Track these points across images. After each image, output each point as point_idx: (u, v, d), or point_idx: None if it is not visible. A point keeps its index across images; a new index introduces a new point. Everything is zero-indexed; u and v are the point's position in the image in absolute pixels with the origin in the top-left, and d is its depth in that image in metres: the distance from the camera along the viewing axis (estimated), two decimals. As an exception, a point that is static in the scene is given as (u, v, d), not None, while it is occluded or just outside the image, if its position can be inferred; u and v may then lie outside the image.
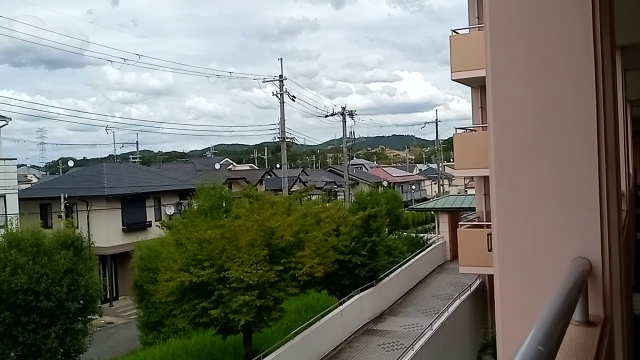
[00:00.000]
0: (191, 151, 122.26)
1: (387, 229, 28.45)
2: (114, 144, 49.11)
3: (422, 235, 36.56)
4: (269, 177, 54.71)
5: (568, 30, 2.00)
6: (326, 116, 43.95)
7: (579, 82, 1.98)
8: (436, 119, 67.88)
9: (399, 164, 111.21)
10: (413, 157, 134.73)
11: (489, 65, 2.12)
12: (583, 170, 1.98)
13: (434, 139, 72.96)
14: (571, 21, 2.00)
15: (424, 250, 29.37)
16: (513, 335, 2.02)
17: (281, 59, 37.48)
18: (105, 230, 31.87)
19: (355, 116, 45.69)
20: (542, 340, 1.17)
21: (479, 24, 20.77)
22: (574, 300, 1.59)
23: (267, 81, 37.40)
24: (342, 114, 43.92)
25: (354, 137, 52.61)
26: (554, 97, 2.01)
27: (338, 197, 53.54)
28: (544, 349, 1.14)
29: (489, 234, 19.11)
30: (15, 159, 34.02)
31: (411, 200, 65.88)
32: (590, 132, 1.97)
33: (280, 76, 37.10)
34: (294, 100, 38.39)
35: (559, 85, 2.01)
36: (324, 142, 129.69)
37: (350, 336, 20.15)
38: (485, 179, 21.58)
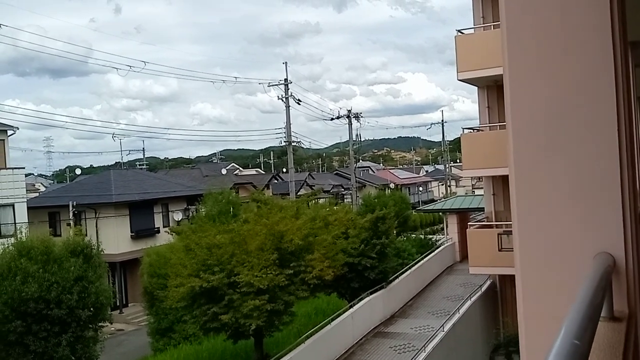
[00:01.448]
0: (197, 157, 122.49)
1: (395, 231, 28.41)
2: (121, 151, 49.30)
3: (430, 236, 36.50)
4: (276, 181, 54.78)
5: (586, 26, 2.00)
6: (332, 119, 43.94)
7: (598, 79, 1.98)
8: (442, 120, 67.71)
9: (406, 166, 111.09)
10: (419, 159, 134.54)
11: (507, 64, 2.12)
12: (604, 166, 1.97)
13: (440, 140, 72.79)
14: (589, 18, 2.00)
15: (433, 251, 29.31)
16: (538, 332, 2.02)
17: (286, 63, 37.53)
18: (114, 237, 31.95)
19: (360, 119, 45.65)
20: (577, 334, 1.17)
21: (483, 24, 20.78)
22: (601, 295, 1.59)
23: (272, 85, 37.47)
24: (348, 117, 43.90)
25: (360, 140, 52.50)
26: (574, 94, 2.01)
27: (345, 200, 53.51)
28: (580, 343, 1.14)
29: (499, 234, 19.11)
30: (23, 167, 34.29)
31: (419, 201, 65.80)
32: (611, 127, 1.97)
33: (286, 80, 37.14)
34: (299, 104, 38.42)
35: (578, 82, 2.01)
36: (329, 145, 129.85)
37: (361, 339, 20.11)
38: (494, 178, 21.55)
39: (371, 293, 21.61)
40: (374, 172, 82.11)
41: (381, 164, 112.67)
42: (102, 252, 19.88)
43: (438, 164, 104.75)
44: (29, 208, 31.82)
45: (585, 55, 2.01)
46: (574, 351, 1.11)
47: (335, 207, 26.34)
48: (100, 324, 18.55)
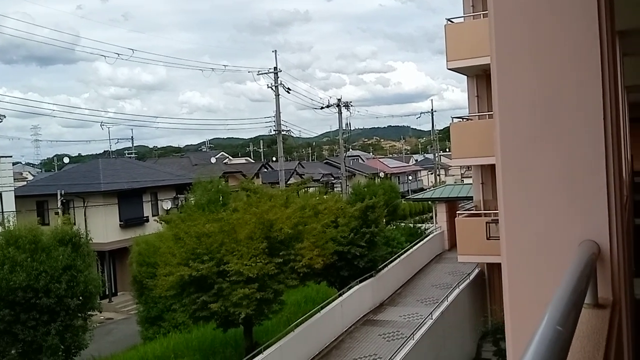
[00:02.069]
0: (186, 146, 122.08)
1: (385, 220, 28.50)
2: (109, 139, 48.87)
3: (419, 225, 36.64)
4: (266, 170, 54.66)
5: (573, 15, 2.00)
6: (322, 108, 43.90)
7: (585, 68, 1.99)
8: (431, 109, 67.88)
9: (395, 155, 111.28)
10: (409, 148, 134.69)
11: (494, 52, 2.12)
12: (590, 154, 1.99)
13: (430, 129, 72.93)
14: (576, 6, 2.00)
15: (422, 240, 29.43)
16: (523, 319, 2.03)
17: (275, 51, 37.59)
18: (102, 226, 31.81)
19: (350, 108, 45.62)
20: (560, 320, 1.18)
21: (473, 13, 20.76)
22: (585, 282, 1.60)
23: (262, 73, 37.30)
24: (338, 106, 43.86)
25: (350, 129, 52.49)
26: (560, 83, 2.02)
27: (335, 189, 53.57)
28: (562, 329, 1.15)
29: (487, 223, 19.20)
30: (11, 156, 34.01)
31: (408, 190, 65.95)
32: (597, 116, 1.97)
33: (275, 68, 37.01)
34: (289, 93, 38.34)
35: (565, 70, 2.01)
36: (319, 134, 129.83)
37: (350, 327, 20.20)
38: (483, 167, 21.62)
39: (360, 281, 21.70)
40: (363, 161, 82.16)
41: (371, 153, 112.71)
42: (90, 241, 19.78)
43: (427, 153, 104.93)
44: (16, 197, 31.58)
45: (572, 44, 2.01)
46: (556, 337, 1.12)
47: (325, 196, 26.35)
48: (89, 312, 18.51)
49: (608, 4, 2.08)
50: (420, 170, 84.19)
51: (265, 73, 37.20)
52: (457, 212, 24.63)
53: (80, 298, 17.58)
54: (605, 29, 2.01)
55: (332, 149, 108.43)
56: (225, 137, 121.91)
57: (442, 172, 79.96)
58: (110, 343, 23.87)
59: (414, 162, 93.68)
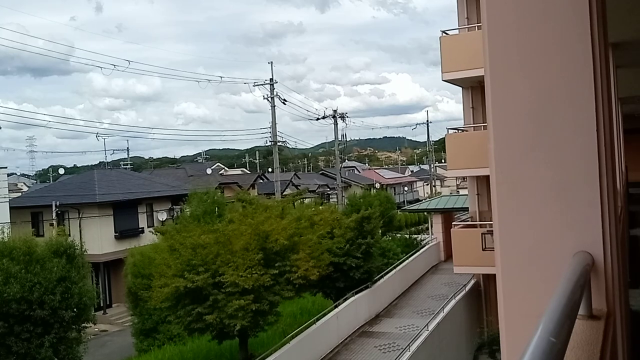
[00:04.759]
0: (182, 157, 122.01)
1: (380, 231, 28.47)
2: (105, 150, 48.72)
3: (415, 236, 36.62)
4: (261, 181, 54.65)
5: (566, 28, 2.02)
6: (317, 119, 43.90)
7: (578, 80, 2.00)
8: (427, 120, 67.95)
9: (391, 166, 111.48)
10: (404, 159, 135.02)
11: (488, 64, 2.14)
12: (583, 166, 1.99)
13: (425, 140, 73.13)
14: (569, 19, 2.02)
15: (418, 251, 29.41)
16: (518, 330, 2.03)
17: (271, 62, 37.44)
18: (97, 238, 31.70)
19: (346, 119, 45.67)
20: (554, 332, 1.18)
21: (468, 25, 20.90)
22: (579, 293, 1.61)
23: (258, 85, 37.36)
24: (334, 117, 43.92)
25: (346, 140, 52.53)
26: (553, 95, 2.03)
27: (331, 199, 53.55)
28: (556, 340, 1.15)
29: (483, 234, 19.21)
30: (6, 167, 33.94)
31: (404, 201, 65.98)
32: (590, 128, 1.99)
33: (271, 79, 37.06)
34: (284, 104, 38.34)
35: (558, 82, 2.03)
36: (315, 145, 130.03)
37: (346, 338, 20.13)
38: (478, 178, 21.68)
39: (356, 293, 21.63)
40: (359, 172, 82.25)
41: (367, 164, 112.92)
42: (85, 253, 19.69)
43: (423, 164, 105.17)
44: (11, 208, 31.50)
45: (565, 56, 2.03)
46: (549, 348, 1.12)
47: (320, 207, 26.36)
48: (83, 324, 18.37)
49: (601, 16, 2.10)
50: (415, 181, 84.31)
51: (261, 84, 37.27)
52: (453, 223, 24.63)
53: (75, 310, 17.46)
54: (598, 41, 2.03)
55: (328, 160, 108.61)
56: (221, 148, 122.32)
57: (438, 183, 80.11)
58: (105, 355, 23.74)
59: (410, 173, 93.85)
